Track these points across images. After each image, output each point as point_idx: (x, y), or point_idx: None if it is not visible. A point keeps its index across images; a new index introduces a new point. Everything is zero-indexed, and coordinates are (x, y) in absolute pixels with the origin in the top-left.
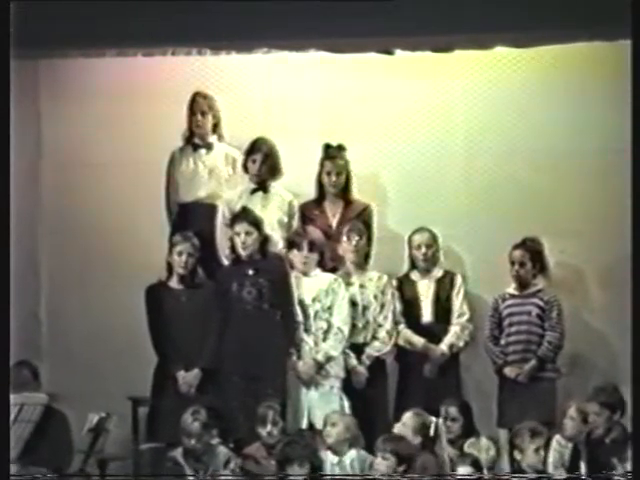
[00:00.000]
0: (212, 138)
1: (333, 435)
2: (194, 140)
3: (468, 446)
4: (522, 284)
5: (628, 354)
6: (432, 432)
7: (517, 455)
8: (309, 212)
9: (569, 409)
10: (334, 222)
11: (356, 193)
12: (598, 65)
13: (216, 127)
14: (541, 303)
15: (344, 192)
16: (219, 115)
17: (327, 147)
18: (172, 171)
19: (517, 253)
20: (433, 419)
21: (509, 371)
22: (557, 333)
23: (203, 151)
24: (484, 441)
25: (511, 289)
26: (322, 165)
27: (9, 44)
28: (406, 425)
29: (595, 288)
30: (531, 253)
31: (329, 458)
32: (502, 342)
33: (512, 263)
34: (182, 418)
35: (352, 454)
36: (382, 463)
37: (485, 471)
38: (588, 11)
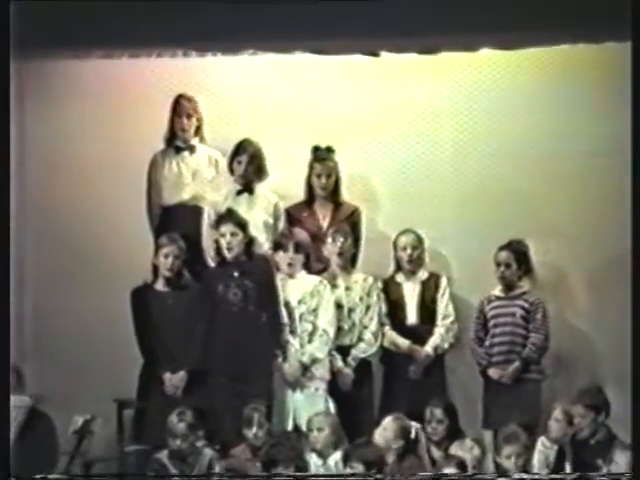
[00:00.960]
0: (194, 140)
1: (320, 440)
2: (176, 142)
3: (454, 448)
4: (508, 286)
5: (612, 355)
6: (413, 435)
7: (496, 458)
8: (299, 214)
9: (554, 411)
10: (325, 224)
11: (344, 195)
12: (584, 67)
13: (199, 130)
14: (526, 305)
15: (333, 194)
16: (202, 118)
17: (316, 149)
18: (154, 174)
19: (503, 255)
20: (413, 423)
21: (493, 372)
22: (541, 335)
23: (186, 153)
24: (469, 442)
25: (497, 291)
26: (311, 167)
27: (9, 44)
28: (386, 429)
29: (580, 290)
30: (517, 255)
31: (313, 460)
32: (486, 343)
33: (498, 265)
34: (168, 419)
35: (336, 456)
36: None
37: (470, 472)
38: (574, 13)
